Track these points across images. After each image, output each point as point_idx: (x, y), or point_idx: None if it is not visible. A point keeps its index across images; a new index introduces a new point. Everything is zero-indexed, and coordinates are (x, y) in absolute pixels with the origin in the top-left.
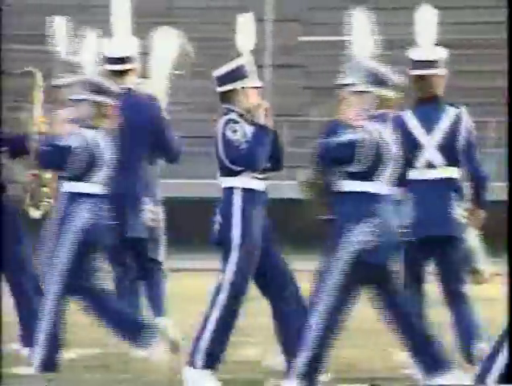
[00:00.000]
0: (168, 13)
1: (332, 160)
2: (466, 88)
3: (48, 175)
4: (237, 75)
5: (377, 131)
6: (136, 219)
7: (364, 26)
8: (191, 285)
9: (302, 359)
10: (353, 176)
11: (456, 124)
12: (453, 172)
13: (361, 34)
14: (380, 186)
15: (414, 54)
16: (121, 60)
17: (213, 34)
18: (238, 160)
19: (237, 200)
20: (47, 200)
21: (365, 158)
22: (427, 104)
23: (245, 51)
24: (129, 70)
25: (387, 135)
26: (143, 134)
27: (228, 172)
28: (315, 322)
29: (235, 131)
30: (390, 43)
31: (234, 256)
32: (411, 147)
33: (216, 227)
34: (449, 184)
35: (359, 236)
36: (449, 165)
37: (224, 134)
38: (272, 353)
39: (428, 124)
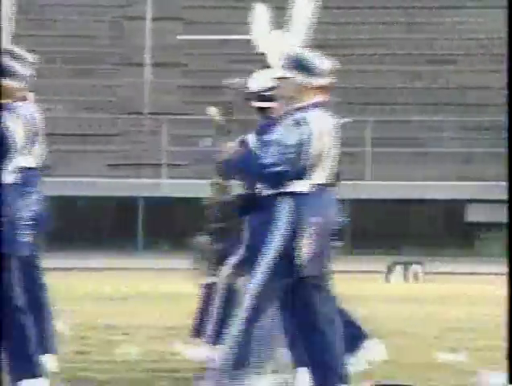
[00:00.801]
0: (44, 10)
1: None
2: (346, 88)
3: None
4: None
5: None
6: None
7: None
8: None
9: None
10: None
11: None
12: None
13: None
14: (6, 174)
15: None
16: None
17: (94, 33)
18: None
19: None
20: None
21: None
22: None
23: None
24: None
25: (13, 124)
26: None
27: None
28: None
29: None
30: None
31: None
32: None
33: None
34: None
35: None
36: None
37: None
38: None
39: None
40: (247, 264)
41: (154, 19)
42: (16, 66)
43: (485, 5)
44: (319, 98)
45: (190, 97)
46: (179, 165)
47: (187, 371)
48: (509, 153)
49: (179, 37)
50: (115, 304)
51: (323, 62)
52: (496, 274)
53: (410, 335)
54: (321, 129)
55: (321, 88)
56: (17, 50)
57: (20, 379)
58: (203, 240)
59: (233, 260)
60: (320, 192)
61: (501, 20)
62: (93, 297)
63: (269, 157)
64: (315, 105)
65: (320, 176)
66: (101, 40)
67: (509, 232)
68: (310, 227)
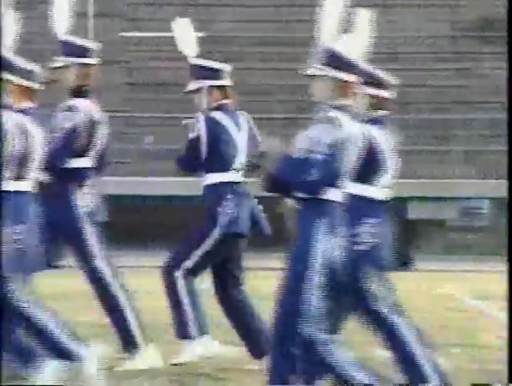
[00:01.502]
0: None
1: None
2: (277, 85)
3: None
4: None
5: None
6: None
7: None
8: None
9: None
10: None
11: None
12: None
13: None
14: None
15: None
16: None
17: (36, 29)
18: None
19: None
20: None
21: None
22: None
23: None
24: None
25: None
26: None
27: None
28: None
29: None
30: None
31: None
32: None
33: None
34: None
35: None
36: None
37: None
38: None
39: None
40: None
41: (97, 16)
42: None
43: (429, 3)
44: (24, 101)
45: (133, 95)
46: (122, 162)
47: None
48: (510, 152)
49: (121, 34)
50: None
51: (27, 63)
52: (437, 271)
53: (343, 331)
54: (22, 130)
55: (29, 90)
56: None
57: None
58: None
59: None
60: (24, 193)
61: (444, 19)
62: None
63: None
64: (20, 109)
65: (24, 177)
66: (42, 37)
67: (510, 232)
68: (7, 227)
